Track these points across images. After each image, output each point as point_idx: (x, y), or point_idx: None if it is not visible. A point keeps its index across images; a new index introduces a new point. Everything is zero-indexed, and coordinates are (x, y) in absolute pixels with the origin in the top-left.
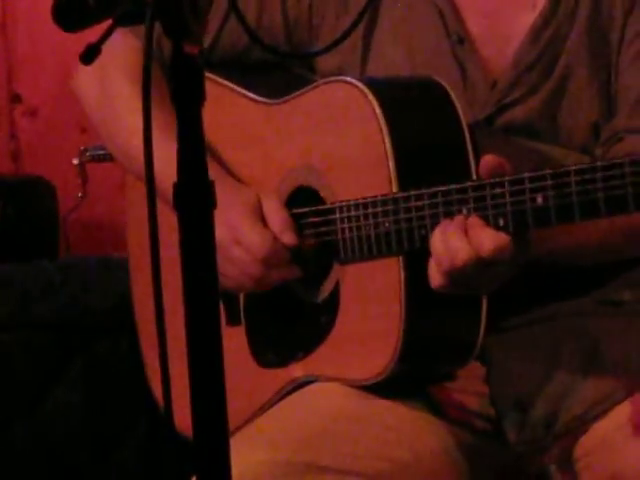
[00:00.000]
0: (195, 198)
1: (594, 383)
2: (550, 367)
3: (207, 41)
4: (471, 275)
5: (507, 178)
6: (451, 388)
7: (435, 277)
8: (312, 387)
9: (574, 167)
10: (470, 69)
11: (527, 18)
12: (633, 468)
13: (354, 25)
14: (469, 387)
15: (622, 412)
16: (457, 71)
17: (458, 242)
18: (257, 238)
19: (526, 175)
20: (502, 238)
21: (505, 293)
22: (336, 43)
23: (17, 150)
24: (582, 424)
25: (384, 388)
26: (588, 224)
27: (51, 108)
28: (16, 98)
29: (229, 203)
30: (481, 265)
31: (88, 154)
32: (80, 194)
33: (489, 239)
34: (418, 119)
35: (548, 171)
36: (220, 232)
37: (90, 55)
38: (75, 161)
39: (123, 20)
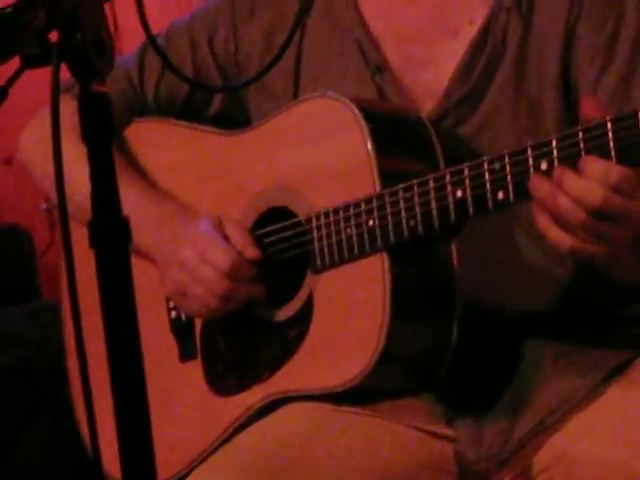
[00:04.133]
0: (111, 235)
1: (545, 395)
2: (503, 381)
3: (149, 96)
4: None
5: (507, 152)
6: (411, 407)
7: (566, 241)
8: (271, 415)
9: (580, 127)
10: (391, 97)
11: (449, 46)
12: None
13: (274, 61)
14: (425, 406)
15: (576, 425)
16: (377, 98)
17: (583, 185)
18: (221, 253)
19: (529, 144)
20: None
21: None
22: (252, 80)
23: None
24: (535, 437)
25: (353, 397)
26: None
27: None
28: None
29: (193, 228)
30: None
31: None
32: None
33: (614, 168)
34: (393, 125)
35: (552, 137)
36: (187, 252)
37: None
38: (43, 206)
39: (30, 62)
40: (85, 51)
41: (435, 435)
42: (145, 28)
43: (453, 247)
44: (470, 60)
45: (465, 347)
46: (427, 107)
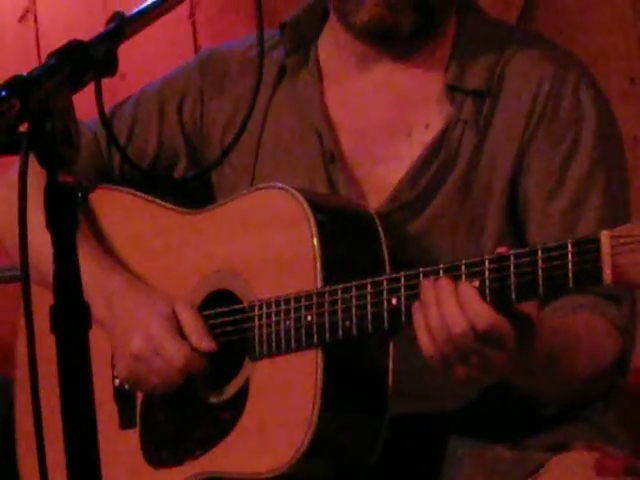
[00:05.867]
0: (72, 321)
1: None
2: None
3: (115, 162)
4: (466, 353)
5: (442, 266)
6: None
7: (428, 346)
8: None
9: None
10: (340, 186)
11: (402, 145)
12: None
13: (227, 151)
14: None
15: None
16: (327, 188)
17: (454, 311)
18: (175, 350)
19: (463, 262)
20: (499, 317)
21: None
22: (202, 172)
23: None
24: None
25: None
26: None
27: None
28: None
29: (145, 316)
30: (476, 342)
31: None
32: None
33: (486, 312)
34: (341, 222)
35: (486, 257)
36: (139, 344)
37: None
38: None
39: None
40: (53, 142)
41: None
42: (102, 117)
43: (389, 346)
44: (422, 165)
45: (394, 441)
46: (374, 203)
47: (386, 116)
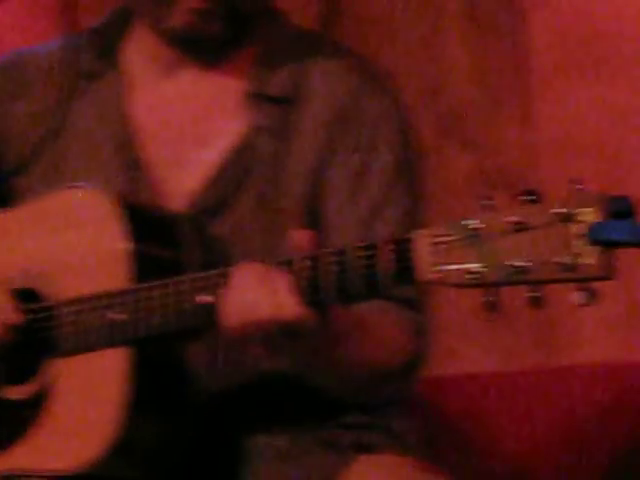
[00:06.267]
0: None
1: None
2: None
3: None
4: (263, 335)
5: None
6: None
7: (228, 323)
8: None
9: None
10: (143, 192)
11: (203, 152)
12: None
13: (26, 158)
14: None
15: None
16: (131, 193)
17: (262, 297)
18: None
19: (273, 261)
20: (305, 310)
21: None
22: (7, 173)
23: None
24: None
25: None
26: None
27: None
28: None
29: None
30: (276, 329)
31: None
32: None
33: (292, 304)
34: (152, 222)
35: (296, 256)
36: None
37: None
38: None
39: None
40: None
41: None
42: None
43: (196, 344)
44: (220, 171)
45: (200, 439)
46: (176, 208)
47: (190, 123)
